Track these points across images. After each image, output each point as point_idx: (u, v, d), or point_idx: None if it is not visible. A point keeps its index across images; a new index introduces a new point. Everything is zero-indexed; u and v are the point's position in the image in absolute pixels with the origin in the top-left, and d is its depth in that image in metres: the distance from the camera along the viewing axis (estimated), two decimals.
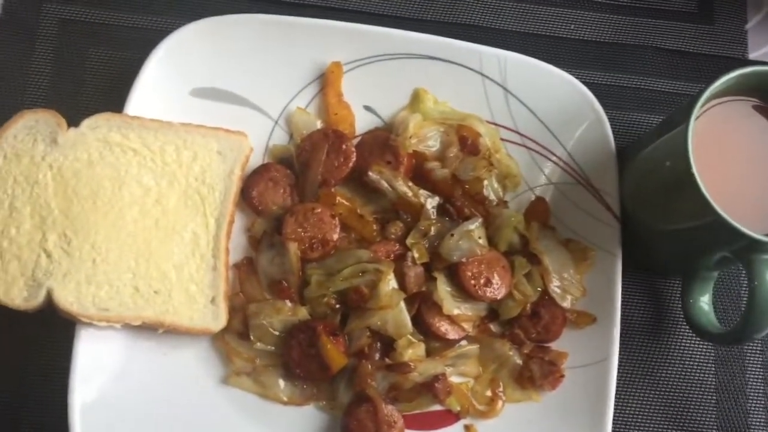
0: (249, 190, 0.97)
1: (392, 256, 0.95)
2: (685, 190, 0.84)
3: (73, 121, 0.92)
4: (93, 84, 1.02)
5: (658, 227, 0.95)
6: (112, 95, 0.97)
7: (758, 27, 1.13)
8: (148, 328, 0.90)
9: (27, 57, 1.03)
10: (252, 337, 0.93)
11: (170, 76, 0.97)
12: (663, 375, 1.01)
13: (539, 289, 0.97)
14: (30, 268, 0.87)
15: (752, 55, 1.12)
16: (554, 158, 1.01)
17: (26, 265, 0.87)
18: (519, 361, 0.96)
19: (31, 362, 0.95)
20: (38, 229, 0.88)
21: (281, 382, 0.93)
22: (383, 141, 0.98)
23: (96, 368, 0.89)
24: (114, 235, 0.89)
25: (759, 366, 1.02)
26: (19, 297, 0.86)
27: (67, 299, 0.86)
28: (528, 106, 1.02)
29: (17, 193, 0.88)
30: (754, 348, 1.02)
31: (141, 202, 0.91)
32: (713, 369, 1.01)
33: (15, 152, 0.89)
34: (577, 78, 1.01)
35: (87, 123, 0.92)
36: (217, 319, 0.92)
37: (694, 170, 0.82)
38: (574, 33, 1.11)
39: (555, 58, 1.06)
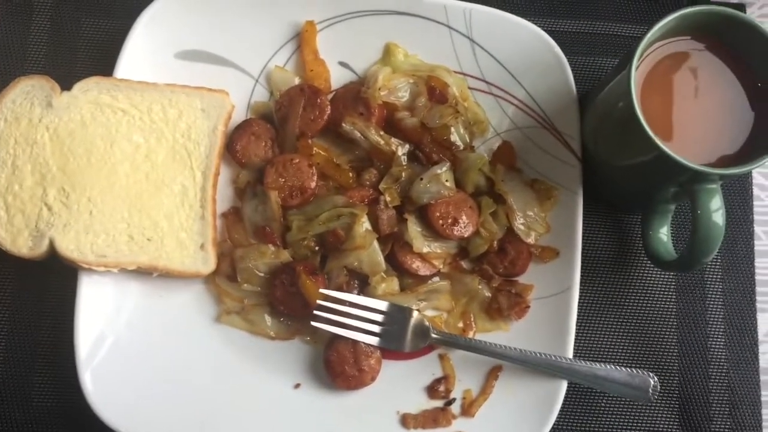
0: (233, 144, 1.05)
1: (366, 200, 1.02)
2: (633, 128, 0.90)
3: (69, 86, 1.00)
4: (86, 51, 1.10)
5: (615, 164, 1.01)
6: (104, 61, 1.04)
7: None
8: (144, 273, 0.99)
9: (25, 28, 1.10)
10: (240, 279, 1.01)
11: (155, 40, 1.04)
12: (626, 303, 1.07)
13: (505, 226, 1.03)
14: (33, 220, 0.96)
15: None
16: (519, 104, 1.07)
17: (30, 217, 0.96)
18: (488, 295, 1.03)
19: (43, 308, 1.04)
20: (39, 185, 0.96)
21: (268, 319, 1.02)
22: (355, 94, 1.05)
23: (98, 310, 0.98)
24: (108, 188, 0.97)
25: (719, 293, 1.07)
26: (25, 246, 0.95)
27: (68, 247, 0.95)
28: (493, 55, 1.07)
29: (18, 153, 0.97)
30: (714, 276, 1.08)
31: (132, 158, 0.99)
32: (674, 297, 1.07)
33: (14, 116, 0.98)
34: (544, 27, 1.07)
35: (78, 86, 1.00)
36: (207, 263, 1.00)
37: (637, 109, 0.88)
38: None
39: (522, 9, 1.12)
